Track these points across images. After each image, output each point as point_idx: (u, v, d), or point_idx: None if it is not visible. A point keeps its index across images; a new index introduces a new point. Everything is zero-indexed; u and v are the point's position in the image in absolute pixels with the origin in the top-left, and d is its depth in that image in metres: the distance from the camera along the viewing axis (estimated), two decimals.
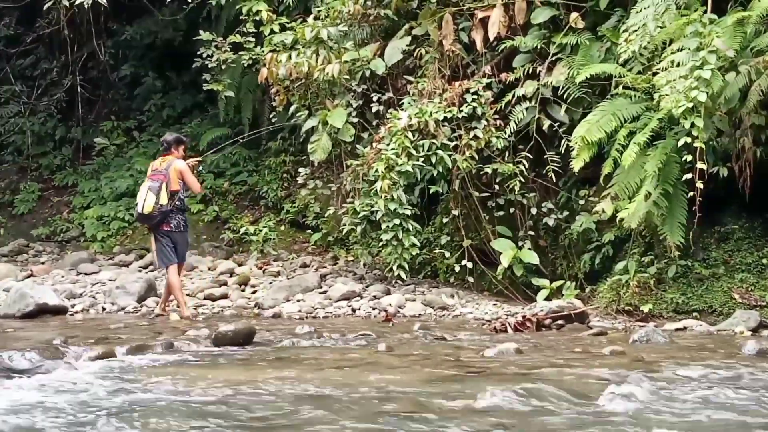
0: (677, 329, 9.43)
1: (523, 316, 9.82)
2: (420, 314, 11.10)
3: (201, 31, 14.57)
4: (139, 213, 11.18)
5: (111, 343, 8.60)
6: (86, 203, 18.32)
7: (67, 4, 13.73)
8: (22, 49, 20.55)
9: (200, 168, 12.27)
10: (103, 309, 12.01)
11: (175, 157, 11.24)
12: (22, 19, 20.35)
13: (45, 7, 14.73)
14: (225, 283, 12.99)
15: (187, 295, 12.31)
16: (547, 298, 10.96)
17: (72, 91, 19.84)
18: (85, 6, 13.70)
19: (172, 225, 11.08)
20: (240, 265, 14.32)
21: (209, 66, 14.36)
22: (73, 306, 11.97)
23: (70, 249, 17.19)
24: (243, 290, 12.75)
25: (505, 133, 11.49)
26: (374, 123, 12.63)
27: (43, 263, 16.03)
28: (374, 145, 11.90)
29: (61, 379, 6.97)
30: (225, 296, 12.34)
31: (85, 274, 14.36)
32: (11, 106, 20.30)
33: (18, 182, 19.92)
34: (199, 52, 14.59)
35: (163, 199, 10.92)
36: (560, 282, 11.32)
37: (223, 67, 14.40)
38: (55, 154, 20.01)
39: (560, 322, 9.77)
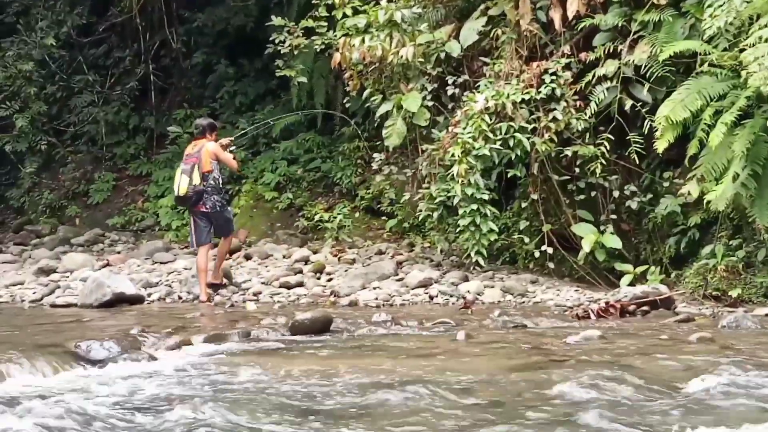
0: None
1: (607, 302, 9.73)
2: (499, 301, 11.06)
3: (273, 17, 14.64)
4: (176, 196, 12.04)
5: (188, 331, 8.73)
6: (160, 192, 18.59)
7: None
8: (95, 39, 20.88)
9: (233, 147, 12.73)
10: (180, 298, 12.17)
11: (207, 140, 11.92)
12: (95, 9, 20.66)
13: None
14: (300, 271, 13.07)
15: (263, 283, 12.50)
16: (631, 284, 10.82)
17: (145, 80, 20.13)
18: None
19: (207, 206, 11.76)
20: (315, 252, 14.39)
21: (281, 52, 14.42)
22: (149, 295, 12.15)
23: (145, 238, 17.47)
24: (318, 278, 12.81)
25: (586, 114, 11.34)
26: (450, 106, 12.58)
27: (118, 252, 16.29)
28: (450, 129, 11.86)
29: (141, 368, 7.11)
30: (300, 284, 12.41)
31: (161, 263, 14.57)
32: (85, 95, 20.62)
33: (92, 172, 20.29)
34: (271, 38, 14.65)
35: (196, 180, 11.64)
36: (644, 267, 11.17)
37: (296, 52, 14.46)
38: (129, 143, 20.32)
39: (645, 308, 9.66)
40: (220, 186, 11.97)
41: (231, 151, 12.51)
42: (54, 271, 13.94)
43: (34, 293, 12.55)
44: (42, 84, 20.09)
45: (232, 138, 12.97)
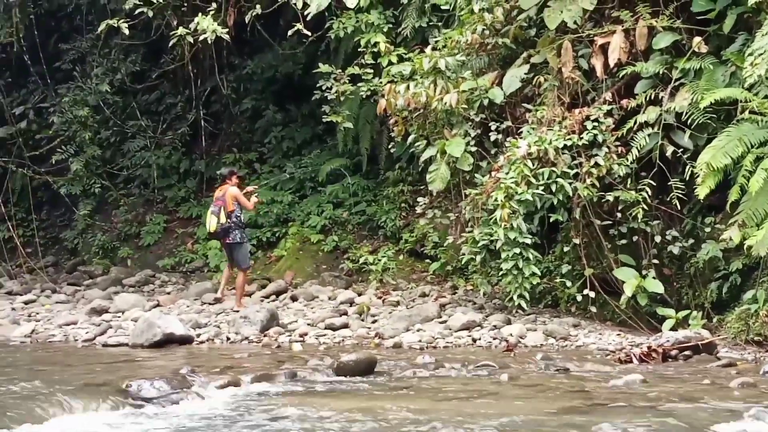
0: None
1: (649, 347, 9.64)
2: (542, 344, 11.00)
3: (320, 64, 14.84)
4: (208, 232, 14.78)
5: (236, 372, 8.80)
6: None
7: (191, 40, 14.14)
8: (148, 85, 21.30)
9: (257, 194, 15.45)
10: (228, 339, 12.24)
11: (230, 185, 14.47)
12: (148, 56, 21.08)
13: (170, 44, 15.21)
14: (345, 313, 13.11)
15: (309, 324, 12.59)
16: (673, 328, 10.73)
17: (195, 125, 20.43)
18: (209, 41, 14.10)
19: (229, 238, 14.32)
20: (360, 294, 14.45)
21: (328, 98, 14.63)
22: (198, 335, 12.23)
23: (194, 279, 17.63)
24: (363, 320, 12.84)
25: (627, 160, 11.33)
26: (493, 152, 12.62)
27: (168, 293, 16.43)
28: (493, 173, 11.90)
29: (190, 408, 7.18)
30: (345, 326, 12.44)
31: (209, 303, 14.68)
32: (137, 140, 20.98)
33: (144, 214, 20.58)
34: (318, 85, 14.87)
35: (223, 219, 14.18)
36: (686, 312, 11.08)
37: (342, 98, 14.64)
38: (180, 186, 20.60)
39: (687, 353, 9.57)
40: (241, 223, 14.49)
41: (256, 196, 15.11)
42: (106, 311, 14.10)
43: (87, 333, 12.71)
44: (96, 129, 20.54)
45: (257, 186, 16.08)
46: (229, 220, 14.18)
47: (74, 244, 21.01)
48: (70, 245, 21.10)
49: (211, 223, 14.30)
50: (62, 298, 16.41)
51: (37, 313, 14.88)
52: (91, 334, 12.58)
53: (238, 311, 13.31)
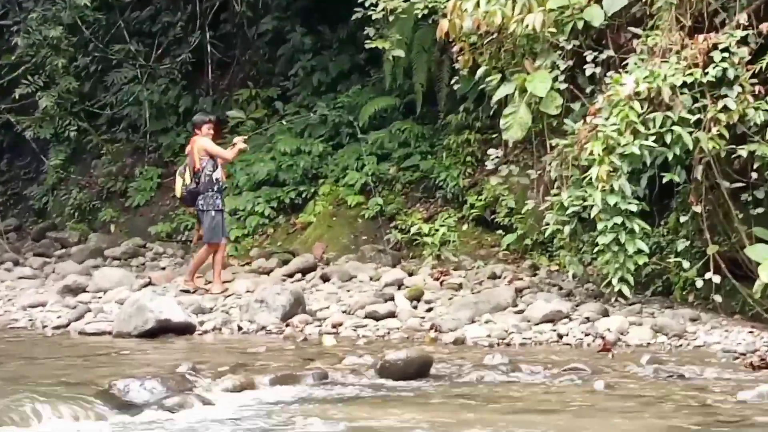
0: None
1: None
2: (648, 343, 10.97)
3: None
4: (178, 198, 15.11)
5: (251, 371, 8.85)
6: None
7: None
8: None
9: (245, 146, 15.23)
10: (239, 328, 12.35)
11: (199, 136, 14.51)
12: None
13: None
14: (392, 298, 13.13)
15: (344, 312, 12.69)
16: None
17: (200, 52, 20.44)
18: None
19: (199, 205, 14.39)
20: (410, 274, 14.46)
21: (373, 17, 14.48)
22: (201, 323, 12.37)
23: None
24: (415, 307, 12.86)
25: (767, 103, 11.21)
26: (588, 90, 12.54)
27: (163, 269, 16.57)
28: (588, 119, 11.82)
29: (191, 416, 7.22)
30: (392, 315, 12.49)
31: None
32: (124, 70, 20.96)
33: (133, 166, 20.69)
34: (359, 1, 14.76)
35: (188, 180, 14.32)
36: None
37: (391, 18, 14.50)
38: (179, 131, 20.51)
39: None
40: (213, 184, 14.32)
41: (243, 141, 14.96)
42: (83, 291, 14.30)
43: (58, 317, 12.90)
44: (72, 54, 20.50)
45: (246, 137, 15.62)
46: (195, 181, 14.32)
47: (42, 204, 21.26)
48: (38, 204, 21.35)
49: (177, 185, 14.60)
50: (27, 273, 16.65)
51: None
52: (64, 319, 12.79)
53: (208, 290, 14.16)
